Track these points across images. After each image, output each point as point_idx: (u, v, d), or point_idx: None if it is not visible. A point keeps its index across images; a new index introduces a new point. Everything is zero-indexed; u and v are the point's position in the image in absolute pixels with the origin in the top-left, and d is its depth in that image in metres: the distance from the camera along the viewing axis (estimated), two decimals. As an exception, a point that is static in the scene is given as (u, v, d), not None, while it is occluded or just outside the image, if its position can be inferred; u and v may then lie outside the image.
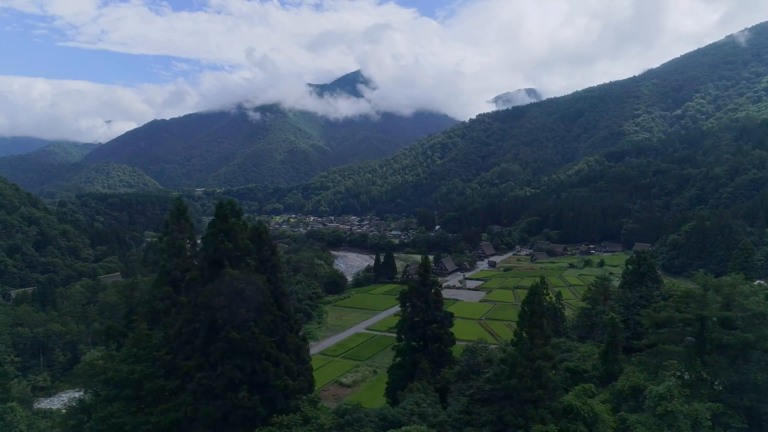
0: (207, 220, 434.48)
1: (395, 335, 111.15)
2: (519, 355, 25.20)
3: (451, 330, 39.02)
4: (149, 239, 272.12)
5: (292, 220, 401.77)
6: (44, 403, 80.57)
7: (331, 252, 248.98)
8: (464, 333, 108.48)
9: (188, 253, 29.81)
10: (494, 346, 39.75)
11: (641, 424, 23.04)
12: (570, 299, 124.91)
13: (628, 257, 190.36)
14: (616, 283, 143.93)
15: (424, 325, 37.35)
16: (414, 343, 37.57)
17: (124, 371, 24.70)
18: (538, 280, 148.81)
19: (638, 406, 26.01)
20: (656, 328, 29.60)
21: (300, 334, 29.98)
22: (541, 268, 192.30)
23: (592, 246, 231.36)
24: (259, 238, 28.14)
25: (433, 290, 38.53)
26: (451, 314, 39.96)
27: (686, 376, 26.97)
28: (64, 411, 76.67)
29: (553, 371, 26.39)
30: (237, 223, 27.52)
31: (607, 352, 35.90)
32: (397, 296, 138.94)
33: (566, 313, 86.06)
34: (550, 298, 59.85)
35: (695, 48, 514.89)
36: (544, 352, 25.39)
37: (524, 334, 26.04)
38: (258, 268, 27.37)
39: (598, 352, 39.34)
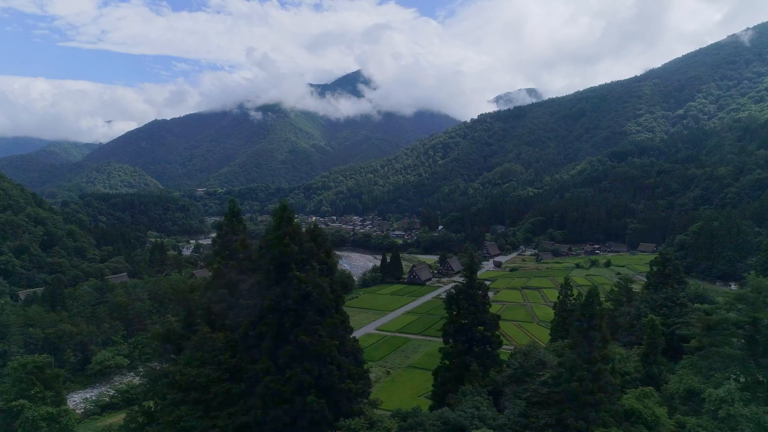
0: (210, 220, 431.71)
1: (407, 335, 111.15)
2: (578, 358, 25.13)
3: (498, 333, 38.89)
4: (152, 239, 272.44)
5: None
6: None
7: (335, 252, 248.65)
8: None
9: (241, 256, 29.66)
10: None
11: (702, 428, 22.98)
12: (578, 299, 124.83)
13: (633, 257, 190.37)
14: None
15: (471, 328, 37.25)
16: (461, 346, 37.41)
17: (191, 375, 24.54)
18: (546, 280, 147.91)
19: (692, 410, 25.97)
20: (707, 330, 29.52)
21: (353, 336, 29.90)
22: (547, 268, 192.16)
23: (596, 246, 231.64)
24: (315, 240, 28.06)
25: (480, 291, 38.41)
26: (498, 316, 39.82)
27: (741, 379, 26.92)
28: (79, 412, 76.53)
29: (613, 374, 26.33)
30: (299, 225, 27.39)
31: (647, 354, 35.82)
32: (404, 296, 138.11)
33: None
34: (570, 300, 59.90)
35: (697, 48, 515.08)
36: (604, 355, 25.33)
37: (581, 337, 25.96)
38: (321, 270, 27.29)
39: (636, 354, 39.22)
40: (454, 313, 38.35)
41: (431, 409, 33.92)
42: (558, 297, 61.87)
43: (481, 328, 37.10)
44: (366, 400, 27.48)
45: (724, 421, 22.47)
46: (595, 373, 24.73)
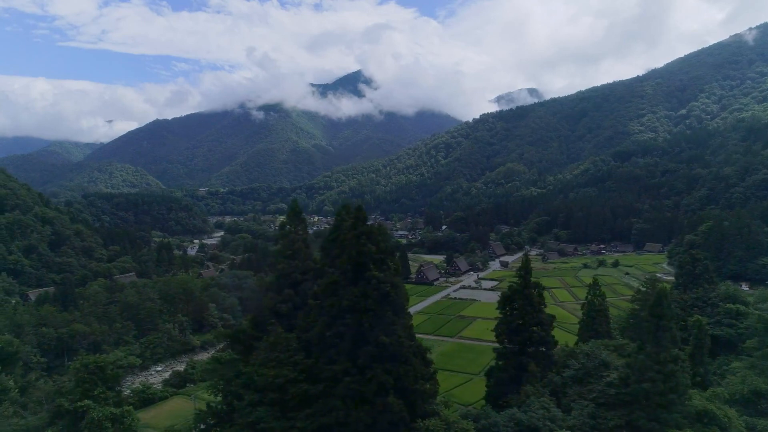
0: (212, 220, 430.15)
1: (420, 335, 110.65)
2: (646, 359, 25.00)
3: (553, 333, 38.65)
4: (156, 239, 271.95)
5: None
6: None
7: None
8: (487, 333, 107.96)
9: (303, 255, 29.44)
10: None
11: (774, 428, 22.88)
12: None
13: (640, 257, 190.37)
14: (635, 284, 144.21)
15: (528, 328, 37.03)
16: (515, 347, 37.19)
17: (269, 375, 24.32)
18: (555, 280, 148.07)
19: (755, 410, 25.81)
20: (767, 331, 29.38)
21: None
22: (555, 268, 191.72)
23: (602, 246, 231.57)
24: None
25: (536, 291, 38.23)
26: (553, 317, 39.65)
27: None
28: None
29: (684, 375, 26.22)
30: (374, 225, 27.22)
31: (694, 355, 35.69)
32: (413, 296, 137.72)
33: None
34: (598, 299, 59.77)
35: (699, 47, 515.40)
36: (675, 356, 25.21)
37: (650, 338, 25.83)
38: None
39: (683, 355, 38.98)
40: (508, 313, 38.13)
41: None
42: (586, 297, 61.88)
43: (536, 328, 36.90)
44: (438, 401, 27.30)
45: (796, 421, 22.38)
46: (667, 374, 24.64)
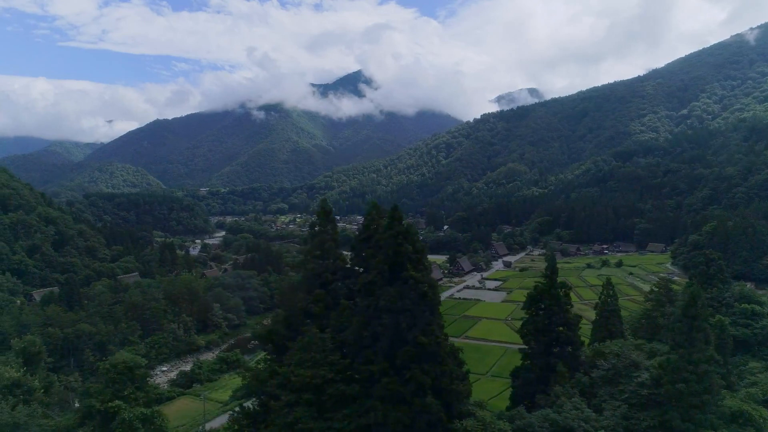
0: (213, 220, 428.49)
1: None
2: (680, 360, 24.93)
3: (579, 333, 38.57)
4: (158, 239, 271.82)
5: (299, 219, 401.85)
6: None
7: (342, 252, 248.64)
8: (493, 333, 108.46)
9: (333, 255, 29.30)
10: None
11: (809, 429, 22.86)
12: (593, 300, 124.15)
13: (643, 257, 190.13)
14: (639, 284, 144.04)
15: (554, 328, 36.98)
16: (541, 347, 37.11)
17: (306, 376, 24.23)
18: (559, 281, 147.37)
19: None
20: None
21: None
22: (558, 268, 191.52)
23: (605, 246, 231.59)
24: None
25: (562, 291, 38.19)
26: (580, 317, 39.60)
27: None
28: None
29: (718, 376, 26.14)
30: (410, 225, 27.12)
31: (715, 355, 35.59)
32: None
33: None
34: (611, 300, 59.73)
35: (700, 47, 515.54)
36: (710, 357, 25.18)
37: (683, 338, 25.77)
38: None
39: (716, 355, 38.88)
40: (534, 313, 38.08)
41: (508, 410, 33.72)
42: (599, 297, 61.97)
43: (562, 328, 36.86)
44: (474, 402, 27.25)
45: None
46: (700, 375, 24.59)
